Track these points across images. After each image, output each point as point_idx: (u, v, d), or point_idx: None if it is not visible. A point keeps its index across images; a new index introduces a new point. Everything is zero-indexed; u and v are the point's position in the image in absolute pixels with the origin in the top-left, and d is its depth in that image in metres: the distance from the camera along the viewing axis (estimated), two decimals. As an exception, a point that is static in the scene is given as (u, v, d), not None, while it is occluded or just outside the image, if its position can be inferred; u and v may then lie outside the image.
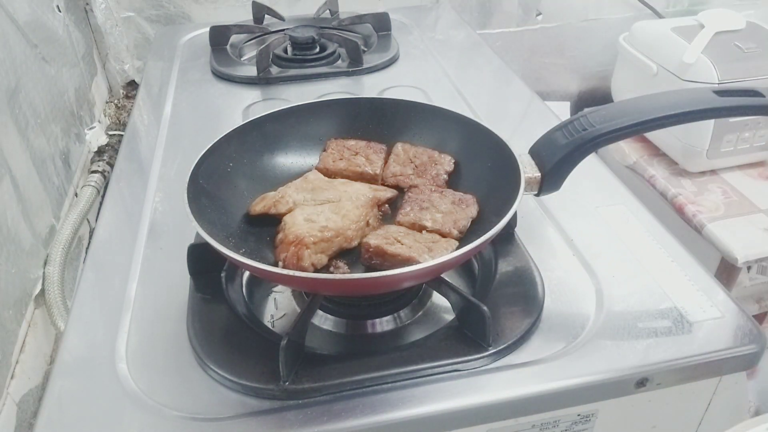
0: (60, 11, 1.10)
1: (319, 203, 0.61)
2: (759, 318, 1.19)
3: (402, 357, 0.53)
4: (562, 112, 1.63)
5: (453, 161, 0.67)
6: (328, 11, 1.27)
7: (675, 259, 0.64)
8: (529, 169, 0.59)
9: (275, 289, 0.64)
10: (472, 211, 0.60)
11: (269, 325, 0.59)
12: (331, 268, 0.57)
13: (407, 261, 0.54)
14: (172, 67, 1.11)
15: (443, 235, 0.58)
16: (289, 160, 0.69)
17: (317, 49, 1.11)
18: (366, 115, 0.71)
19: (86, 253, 0.76)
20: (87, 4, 1.25)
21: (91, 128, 1.13)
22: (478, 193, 0.62)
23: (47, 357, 0.80)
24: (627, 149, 1.44)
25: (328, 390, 0.51)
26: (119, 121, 1.29)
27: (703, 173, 1.34)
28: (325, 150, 0.69)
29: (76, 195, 1.01)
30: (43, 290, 0.82)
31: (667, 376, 0.54)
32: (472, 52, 1.16)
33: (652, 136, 1.42)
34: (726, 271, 1.12)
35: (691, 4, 1.56)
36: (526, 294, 0.59)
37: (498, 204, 0.58)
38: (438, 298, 0.61)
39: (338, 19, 1.23)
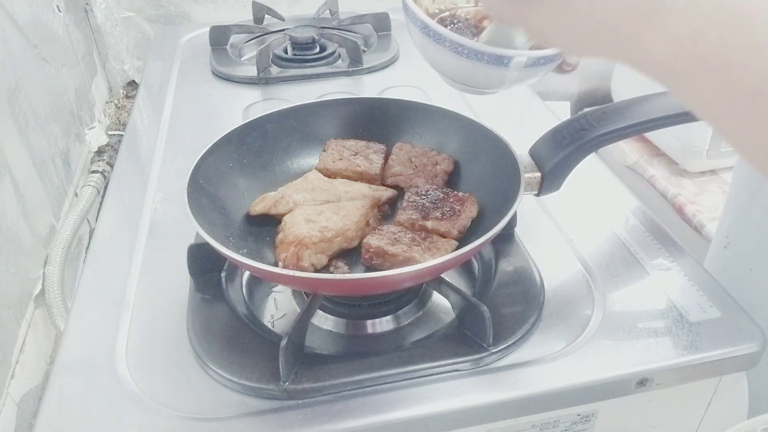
0: (60, 11, 1.10)
1: (319, 203, 0.61)
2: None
3: (402, 357, 0.53)
4: (562, 112, 1.63)
5: (453, 161, 0.67)
6: (328, 11, 1.27)
7: (675, 259, 0.64)
8: (529, 169, 0.59)
9: (275, 289, 0.64)
10: (472, 211, 0.60)
11: (269, 325, 0.59)
12: (331, 268, 0.57)
13: (407, 261, 0.54)
14: (172, 67, 1.11)
15: (443, 235, 0.58)
16: (289, 160, 0.69)
17: (317, 49, 1.11)
18: (366, 115, 0.71)
19: (86, 253, 0.76)
20: (87, 4, 1.25)
21: (91, 128, 1.13)
22: (478, 193, 0.62)
23: (47, 357, 0.80)
24: (627, 149, 1.44)
25: (328, 390, 0.51)
26: (119, 121, 1.29)
27: (703, 173, 1.34)
28: (325, 150, 0.69)
29: (76, 195, 1.01)
30: (43, 290, 0.82)
31: (667, 376, 0.54)
32: (472, 52, 1.16)
33: (652, 136, 1.42)
34: (726, 271, 1.12)
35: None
36: (526, 294, 0.59)
37: (498, 204, 0.58)
38: (438, 298, 0.61)
39: (338, 19, 1.23)
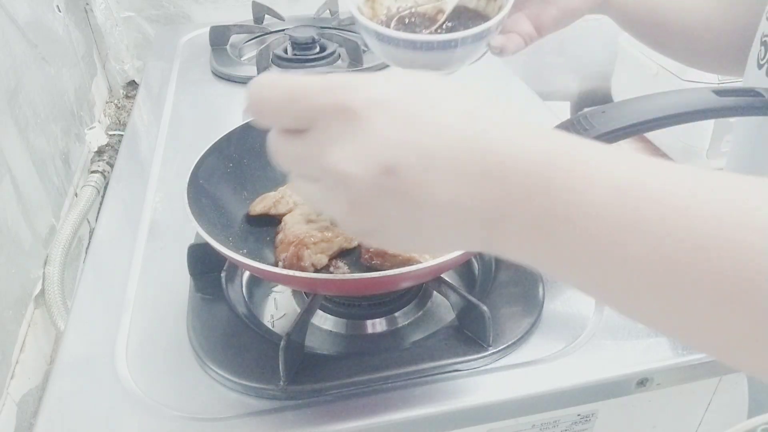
0: (60, 11, 1.10)
1: (319, 203, 0.61)
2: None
3: (402, 357, 0.53)
4: (562, 112, 1.63)
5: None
6: (328, 11, 1.27)
7: (675, 259, 0.64)
8: (529, 169, 0.59)
9: (275, 289, 0.64)
10: (472, 211, 0.60)
11: (269, 325, 0.59)
12: (331, 268, 0.57)
13: (407, 261, 0.54)
14: (172, 67, 1.11)
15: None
16: (289, 160, 0.69)
17: (317, 49, 1.11)
18: (366, 115, 0.71)
19: (86, 253, 0.76)
20: (87, 4, 1.25)
21: (91, 128, 1.13)
22: (478, 193, 0.62)
23: (47, 357, 0.80)
24: (627, 149, 1.44)
25: (328, 390, 0.51)
26: (119, 121, 1.29)
27: (703, 173, 1.33)
28: (325, 150, 0.69)
29: (76, 195, 1.01)
30: (43, 290, 0.82)
31: (667, 376, 0.54)
32: (472, 52, 1.16)
33: (652, 136, 1.42)
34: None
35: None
36: (526, 294, 0.59)
37: (498, 204, 0.58)
38: (438, 298, 0.61)
39: (338, 18, 1.23)
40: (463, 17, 0.59)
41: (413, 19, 0.60)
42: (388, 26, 0.57)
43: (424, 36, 0.56)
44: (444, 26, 0.58)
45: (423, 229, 0.29)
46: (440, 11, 0.59)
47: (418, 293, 0.62)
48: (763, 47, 0.56)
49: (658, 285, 0.25)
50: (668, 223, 0.25)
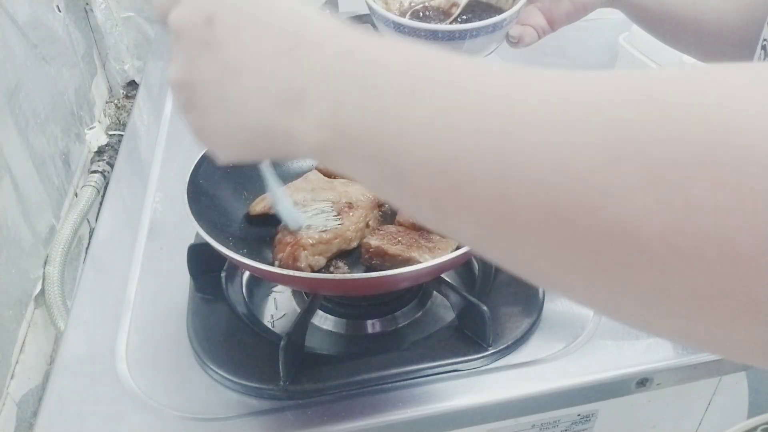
0: (60, 11, 1.10)
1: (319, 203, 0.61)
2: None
3: (402, 357, 0.53)
4: (562, 112, 1.62)
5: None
6: (327, 11, 1.26)
7: (675, 259, 0.64)
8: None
9: (275, 289, 0.64)
10: (472, 211, 0.60)
11: (269, 325, 0.59)
12: (331, 268, 0.57)
13: (407, 261, 0.54)
14: (172, 67, 1.11)
15: (443, 236, 0.58)
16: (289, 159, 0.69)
17: (317, 49, 1.11)
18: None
19: (86, 253, 0.76)
20: (87, 4, 1.24)
21: (91, 128, 1.13)
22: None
23: (47, 357, 0.80)
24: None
25: (328, 390, 0.51)
26: (119, 121, 1.29)
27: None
28: (325, 150, 0.69)
29: (76, 195, 1.01)
30: (43, 290, 0.82)
31: (667, 376, 0.54)
32: (472, 52, 1.16)
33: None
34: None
35: (691, 4, 1.56)
36: (526, 294, 0.59)
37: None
38: (438, 298, 0.61)
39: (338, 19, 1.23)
40: (476, 10, 0.60)
41: (427, 13, 0.61)
42: None
43: (445, 26, 0.57)
44: (459, 19, 0.59)
45: (229, 98, 0.30)
46: (454, 4, 0.60)
47: (418, 293, 0.62)
48: (762, 51, 0.56)
49: (440, 146, 0.24)
50: (454, 88, 0.24)
